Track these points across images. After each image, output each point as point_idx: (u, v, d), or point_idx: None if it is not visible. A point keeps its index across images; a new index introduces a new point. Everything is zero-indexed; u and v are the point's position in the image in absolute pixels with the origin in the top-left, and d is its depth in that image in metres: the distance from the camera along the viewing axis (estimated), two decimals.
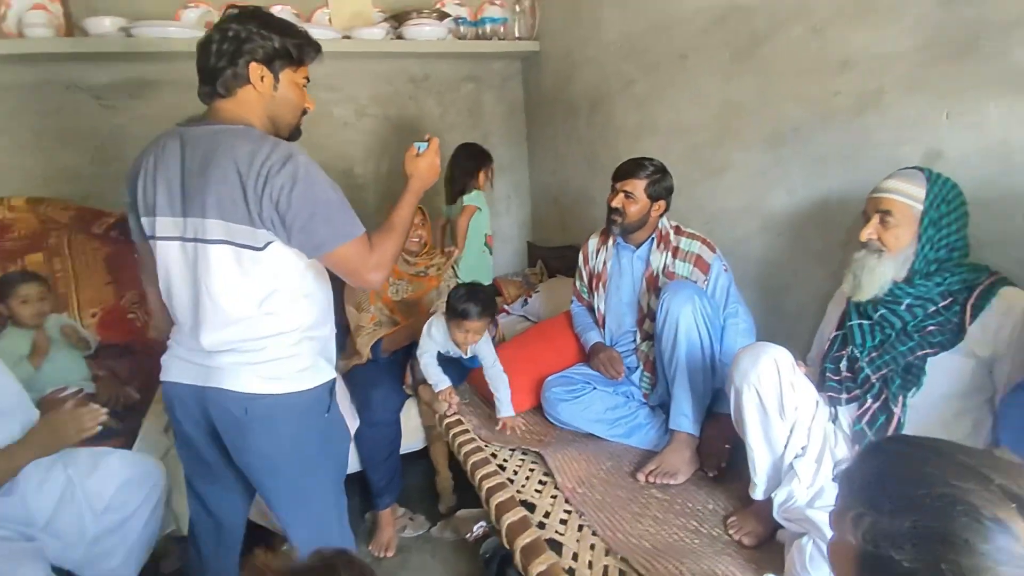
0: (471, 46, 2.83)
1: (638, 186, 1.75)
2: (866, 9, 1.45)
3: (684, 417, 1.59)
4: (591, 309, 2.04)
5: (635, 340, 1.87)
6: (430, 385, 2.00)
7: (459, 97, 3.07)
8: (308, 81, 1.25)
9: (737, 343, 1.66)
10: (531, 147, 3.24)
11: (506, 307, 2.77)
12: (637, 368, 1.85)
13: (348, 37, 2.61)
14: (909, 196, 1.20)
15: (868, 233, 1.23)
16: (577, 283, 2.09)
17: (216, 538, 1.38)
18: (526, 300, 2.80)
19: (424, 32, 2.69)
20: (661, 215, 1.81)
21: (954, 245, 1.20)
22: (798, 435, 1.26)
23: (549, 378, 1.89)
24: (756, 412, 1.27)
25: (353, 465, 2.03)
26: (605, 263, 1.94)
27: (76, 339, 2.06)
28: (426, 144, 1.32)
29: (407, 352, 2.12)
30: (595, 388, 1.82)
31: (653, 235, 1.83)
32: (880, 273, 1.22)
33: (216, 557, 1.38)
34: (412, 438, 2.11)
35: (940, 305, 1.20)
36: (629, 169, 1.78)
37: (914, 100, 1.39)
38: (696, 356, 1.60)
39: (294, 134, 1.26)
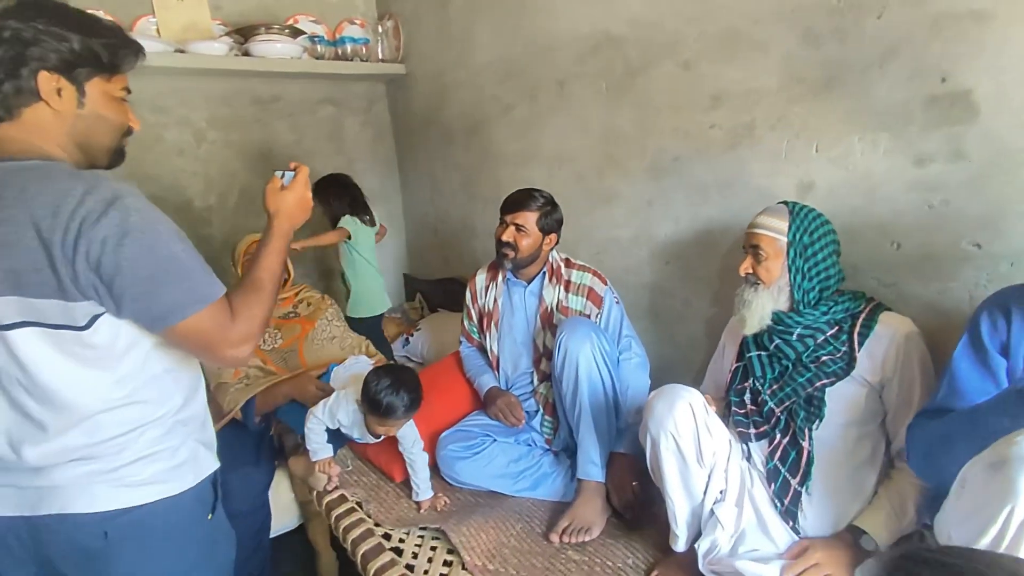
0: (329, 67, 2.57)
1: (529, 219, 1.65)
2: (733, 47, 1.49)
3: (593, 465, 1.49)
4: (483, 350, 1.89)
5: (533, 382, 1.75)
6: (303, 455, 1.71)
7: (316, 121, 2.79)
8: (129, 92, 0.97)
9: (632, 378, 1.62)
10: (403, 174, 3.04)
11: None
12: (537, 412, 1.73)
13: (182, 51, 2.23)
14: (774, 230, 1.24)
15: (744, 268, 1.27)
16: (466, 323, 1.93)
17: None
18: (407, 339, 2.58)
19: (275, 49, 2.39)
20: (552, 248, 1.73)
21: (828, 273, 1.24)
22: (716, 479, 1.21)
23: (444, 434, 1.70)
24: (674, 460, 1.20)
25: None
26: (496, 300, 1.81)
27: None
28: (292, 174, 1.09)
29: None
30: (495, 440, 1.67)
31: (544, 269, 1.74)
32: (758, 306, 1.25)
33: None
34: (284, 517, 1.79)
35: (828, 334, 1.23)
36: (520, 200, 1.67)
37: (785, 133, 1.44)
38: (599, 398, 1.51)
39: (115, 160, 0.99)
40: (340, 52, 2.62)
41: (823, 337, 1.24)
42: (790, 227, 1.23)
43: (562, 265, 1.74)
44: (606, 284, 1.71)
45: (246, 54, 2.37)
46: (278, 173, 1.10)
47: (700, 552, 1.19)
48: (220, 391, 1.80)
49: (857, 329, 1.21)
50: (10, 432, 0.87)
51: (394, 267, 3.13)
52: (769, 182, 1.49)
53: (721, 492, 1.22)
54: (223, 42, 2.30)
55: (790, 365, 1.27)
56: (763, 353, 1.31)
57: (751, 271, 1.27)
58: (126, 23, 2.19)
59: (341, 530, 1.46)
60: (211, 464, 1.03)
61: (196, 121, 2.46)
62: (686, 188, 1.68)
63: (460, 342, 1.96)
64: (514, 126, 2.20)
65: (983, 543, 0.77)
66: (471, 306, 1.90)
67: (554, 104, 2.01)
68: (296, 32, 2.44)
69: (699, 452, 1.19)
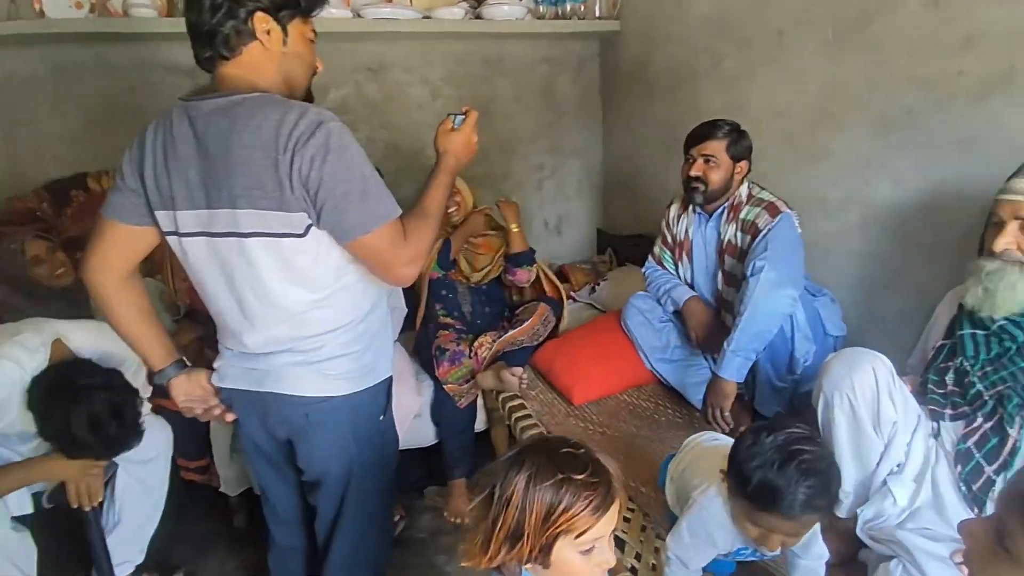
0: (549, 26, 2.75)
1: (718, 148, 1.62)
2: None
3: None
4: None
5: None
6: (488, 371, 1.97)
7: (533, 78, 3.00)
8: (316, 36, 1.09)
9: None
10: (606, 130, 3.13)
11: (573, 294, 2.72)
12: None
13: (428, 17, 2.60)
14: None
15: (1006, 242, 1.06)
16: (657, 248, 1.94)
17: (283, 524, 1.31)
18: (594, 288, 2.74)
19: (503, 11, 2.63)
20: (743, 177, 1.66)
21: None
22: (895, 452, 1.15)
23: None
24: (847, 424, 1.17)
25: (427, 438, 2.01)
26: (687, 231, 1.80)
27: (168, 304, 2.20)
28: (463, 117, 1.16)
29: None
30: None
31: (725, 204, 1.68)
32: (1022, 289, 1.06)
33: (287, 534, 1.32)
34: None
35: None
36: (705, 132, 1.66)
37: None
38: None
39: (308, 98, 1.10)
40: (560, 11, 2.77)
41: None
42: None
43: (744, 201, 1.65)
44: (775, 217, 1.56)
45: (478, 17, 2.67)
46: (451, 115, 1.16)
47: (862, 517, 1.16)
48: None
49: None
50: (241, 323, 1.06)
51: (588, 222, 3.29)
52: None
53: (898, 465, 1.16)
54: (460, 7, 2.61)
55: (1013, 348, 1.12)
56: (979, 332, 1.17)
57: (1015, 247, 1.06)
58: None
59: (519, 429, 1.70)
60: (386, 371, 1.17)
61: (434, 80, 2.85)
62: (917, 145, 1.51)
63: (646, 264, 1.98)
64: (722, 80, 2.14)
65: None
66: (666, 232, 1.91)
67: (771, 55, 1.91)
68: None
69: (877, 420, 1.14)
